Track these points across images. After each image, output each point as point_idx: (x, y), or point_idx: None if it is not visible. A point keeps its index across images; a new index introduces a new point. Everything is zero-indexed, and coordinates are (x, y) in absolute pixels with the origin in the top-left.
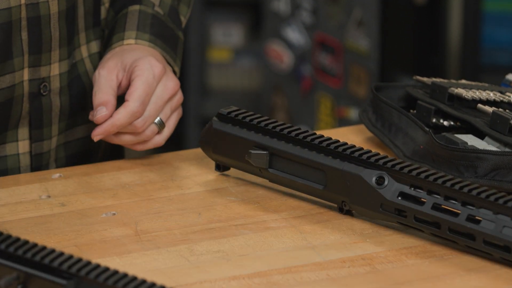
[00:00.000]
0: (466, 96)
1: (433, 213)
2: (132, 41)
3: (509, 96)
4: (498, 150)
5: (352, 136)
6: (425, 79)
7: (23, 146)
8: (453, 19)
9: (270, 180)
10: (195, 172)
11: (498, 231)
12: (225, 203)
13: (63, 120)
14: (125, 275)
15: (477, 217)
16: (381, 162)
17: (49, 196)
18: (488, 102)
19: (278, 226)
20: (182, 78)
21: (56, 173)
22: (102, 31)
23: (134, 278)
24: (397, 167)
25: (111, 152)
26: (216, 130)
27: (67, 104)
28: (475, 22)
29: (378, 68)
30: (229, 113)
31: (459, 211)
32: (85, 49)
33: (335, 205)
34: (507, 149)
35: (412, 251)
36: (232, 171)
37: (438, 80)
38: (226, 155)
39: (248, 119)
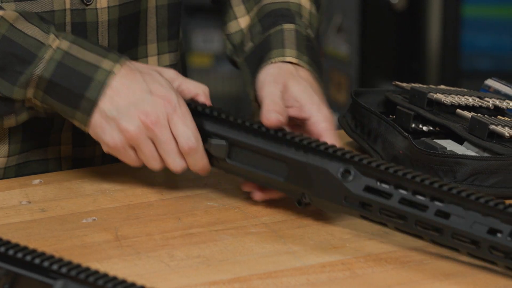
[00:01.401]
0: (445, 101)
1: (400, 207)
2: (294, 59)
3: (488, 102)
4: (477, 155)
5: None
6: (404, 84)
7: (65, 150)
8: (432, 24)
9: (228, 171)
10: (175, 178)
11: (468, 227)
12: (205, 208)
13: None
14: (114, 278)
15: (446, 212)
16: (347, 156)
17: (29, 202)
18: (467, 108)
19: (258, 231)
20: None
21: (36, 179)
22: (179, 44)
23: (123, 281)
24: (365, 161)
25: None
26: None
27: None
28: (455, 27)
29: (358, 73)
30: (189, 104)
31: (428, 206)
32: (155, 61)
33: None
34: (486, 154)
35: (391, 256)
36: (212, 178)
37: (417, 85)
38: None
39: (208, 110)
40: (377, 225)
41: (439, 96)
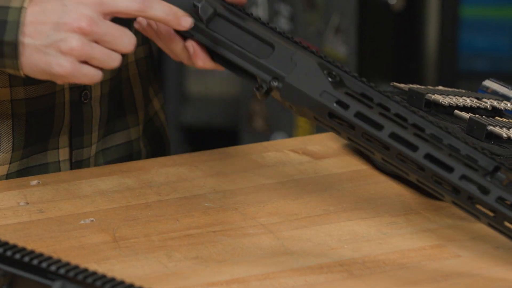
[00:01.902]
0: (443, 103)
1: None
2: None
3: (486, 102)
4: None
5: (330, 142)
6: (402, 85)
7: (63, 153)
8: (430, 25)
9: (201, 41)
10: (173, 179)
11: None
12: (203, 210)
13: (102, 127)
14: (112, 279)
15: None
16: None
17: (27, 203)
18: (465, 108)
19: (256, 233)
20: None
21: (34, 180)
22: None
23: (121, 282)
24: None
25: (153, 156)
26: None
27: (106, 111)
28: (452, 28)
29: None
30: None
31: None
32: (131, 54)
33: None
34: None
35: (389, 257)
36: (210, 180)
37: (415, 86)
38: None
39: None
40: (375, 227)
41: (437, 97)
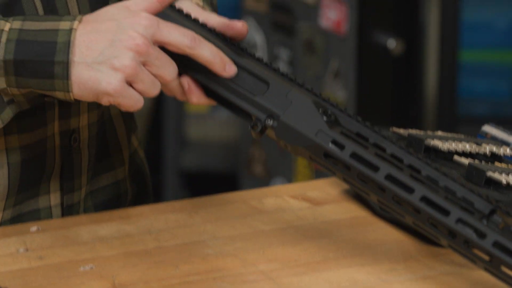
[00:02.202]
0: (442, 148)
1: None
2: (200, 2)
3: (485, 148)
4: None
5: (329, 188)
6: (401, 130)
7: (54, 198)
8: (429, 69)
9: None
10: (172, 225)
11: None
12: (203, 256)
13: (90, 169)
14: None
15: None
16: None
17: (27, 250)
18: (464, 154)
19: (256, 279)
20: (160, 130)
21: (34, 226)
22: None
23: None
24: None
25: (139, 196)
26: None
27: (94, 153)
28: (452, 72)
29: None
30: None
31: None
32: None
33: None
34: None
35: None
36: (209, 226)
37: (414, 131)
38: None
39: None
40: (374, 274)
41: (436, 142)
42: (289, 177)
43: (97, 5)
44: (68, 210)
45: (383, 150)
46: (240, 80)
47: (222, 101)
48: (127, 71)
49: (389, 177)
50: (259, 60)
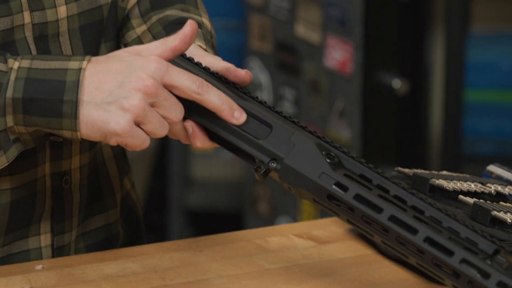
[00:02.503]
0: (447, 188)
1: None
2: (203, 45)
3: (490, 187)
4: None
5: (334, 227)
6: (406, 170)
7: (45, 239)
8: (434, 109)
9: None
10: (177, 263)
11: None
12: None
13: (81, 211)
14: None
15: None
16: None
17: None
18: (469, 193)
19: None
20: (165, 169)
21: (39, 265)
22: None
23: None
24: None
25: (131, 239)
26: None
27: (86, 195)
28: (456, 112)
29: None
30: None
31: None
32: None
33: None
34: None
35: None
36: (214, 264)
37: (419, 171)
38: None
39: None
40: None
41: (441, 182)
42: (294, 216)
43: (91, 48)
44: (58, 251)
45: (387, 191)
46: (243, 124)
47: (226, 145)
48: (136, 112)
49: (392, 218)
50: (262, 103)
